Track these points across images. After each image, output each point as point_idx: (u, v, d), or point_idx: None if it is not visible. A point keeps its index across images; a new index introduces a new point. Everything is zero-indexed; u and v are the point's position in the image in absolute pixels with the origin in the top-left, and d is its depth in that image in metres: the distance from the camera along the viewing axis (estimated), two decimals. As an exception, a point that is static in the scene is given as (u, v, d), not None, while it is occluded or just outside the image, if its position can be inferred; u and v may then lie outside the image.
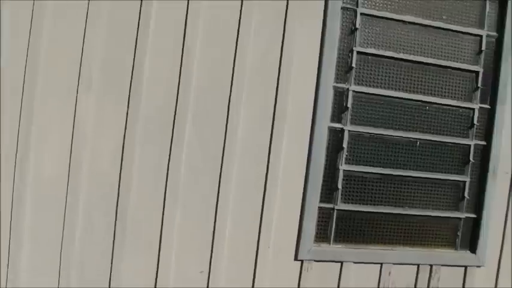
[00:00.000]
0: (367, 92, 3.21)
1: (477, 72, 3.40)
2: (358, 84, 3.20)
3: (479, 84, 3.40)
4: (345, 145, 3.17)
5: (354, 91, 3.18)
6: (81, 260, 2.80)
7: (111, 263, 2.87)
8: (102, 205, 2.82)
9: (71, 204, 2.76)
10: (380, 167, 3.27)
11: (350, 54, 3.17)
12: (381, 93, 3.23)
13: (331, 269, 3.22)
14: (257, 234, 3.08)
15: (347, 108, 3.16)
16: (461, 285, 3.48)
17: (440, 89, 3.36)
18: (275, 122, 3.04)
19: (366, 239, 3.29)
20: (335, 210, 3.20)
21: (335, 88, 3.15)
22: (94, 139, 2.77)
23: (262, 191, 3.06)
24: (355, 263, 3.24)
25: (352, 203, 3.24)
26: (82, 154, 2.75)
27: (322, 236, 3.20)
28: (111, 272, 2.85)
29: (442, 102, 3.34)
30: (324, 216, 3.20)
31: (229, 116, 2.98)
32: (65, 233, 2.77)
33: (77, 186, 2.76)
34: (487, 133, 3.45)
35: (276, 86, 3.05)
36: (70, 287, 2.79)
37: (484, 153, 3.45)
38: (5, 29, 2.58)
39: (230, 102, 2.98)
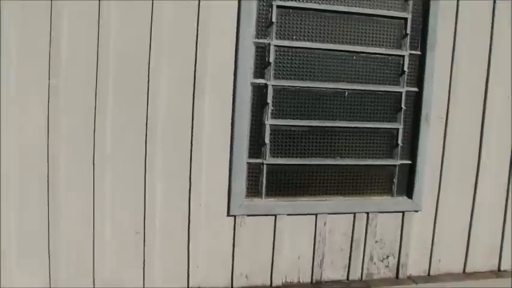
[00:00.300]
0: (289, 45, 3.24)
1: (405, 19, 3.40)
2: (280, 38, 3.23)
3: (408, 31, 3.41)
4: (269, 100, 3.24)
5: (275, 46, 3.21)
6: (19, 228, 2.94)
7: (48, 231, 3.01)
8: (34, 175, 2.93)
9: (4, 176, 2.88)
10: (309, 119, 3.32)
11: (270, 9, 3.19)
12: (304, 46, 3.26)
13: (265, 223, 3.33)
14: (187, 193, 3.18)
15: (269, 63, 3.21)
16: (399, 231, 3.56)
17: (368, 38, 3.38)
18: (196, 81, 3.12)
19: (299, 191, 3.39)
20: (264, 165, 3.29)
21: (256, 44, 3.19)
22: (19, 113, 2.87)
23: (189, 150, 3.16)
24: (288, 215, 3.35)
25: (281, 156, 3.32)
26: (7, 128, 2.85)
27: (253, 190, 3.31)
28: (48, 239, 3.00)
29: (369, 51, 3.36)
30: (254, 171, 3.30)
31: (150, 79, 3.05)
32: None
33: (7, 157, 2.88)
34: (419, 79, 3.47)
35: (194, 45, 3.09)
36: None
37: (417, 100, 3.49)
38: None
39: (150, 65, 3.03)
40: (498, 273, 3.81)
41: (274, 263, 3.38)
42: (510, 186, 3.74)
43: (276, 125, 3.29)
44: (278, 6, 3.20)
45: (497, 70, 3.58)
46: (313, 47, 3.28)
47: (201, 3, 3.07)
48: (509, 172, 3.73)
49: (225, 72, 3.15)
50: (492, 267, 3.82)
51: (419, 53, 3.45)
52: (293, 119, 3.32)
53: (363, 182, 3.50)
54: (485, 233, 3.75)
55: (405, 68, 3.43)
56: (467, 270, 3.76)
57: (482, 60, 3.57)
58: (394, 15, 3.38)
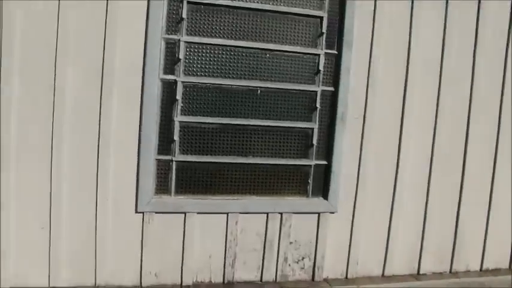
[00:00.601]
0: (200, 42, 3.25)
1: (321, 18, 3.42)
2: (192, 34, 3.24)
3: (323, 30, 3.43)
4: (178, 97, 3.25)
5: (186, 42, 3.22)
6: None
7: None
8: None
9: None
10: (220, 117, 3.33)
11: (180, 4, 3.20)
12: (215, 43, 3.27)
13: (174, 221, 3.33)
14: (95, 189, 3.17)
15: (179, 59, 3.22)
16: (315, 232, 3.57)
17: (283, 36, 3.40)
18: (104, 76, 3.13)
19: (210, 190, 3.40)
20: (173, 162, 3.30)
21: (166, 39, 3.20)
22: None
23: (96, 146, 3.16)
24: (198, 213, 3.35)
25: (191, 153, 3.33)
26: None
27: (163, 187, 3.31)
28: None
29: (283, 49, 3.37)
30: (163, 168, 3.30)
31: (56, 74, 3.04)
32: None
33: None
34: (335, 79, 3.49)
35: (102, 40, 3.09)
36: None
37: (333, 99, 3.51)
38: None
39: (57, 58, 3.02)
40: (418, 276, 3.81)
41: (184, 262, 3.38)
42: (430, 188, 3.75)
43: (186, 121, 3.29)
44: (189, 2, 3.22)
45: (416, 69, 3.61)
46: (224, 43, 3.29)
47: (109, -3, 3.07)
48: (429, 173, 3.75)
49: (133, 68, 3.16)
50: (412, 271, 3.83)
51: (335, 52, 3.47)
52: (204, 116, 3.32)
53: (277, 182, 3.50)
54: (405, 235, 3.76)
55: (320, 67, 3.45)
56: (386, 274, 3.77)
57: (401, 59, 3.59)
58: (309, 13, 3.40)
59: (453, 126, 3.76)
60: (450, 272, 3.92)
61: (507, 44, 3.81)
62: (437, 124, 3.72)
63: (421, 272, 3.85)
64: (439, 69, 3.68)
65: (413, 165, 3.70)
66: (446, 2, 3.62)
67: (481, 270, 4.00)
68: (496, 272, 4.02)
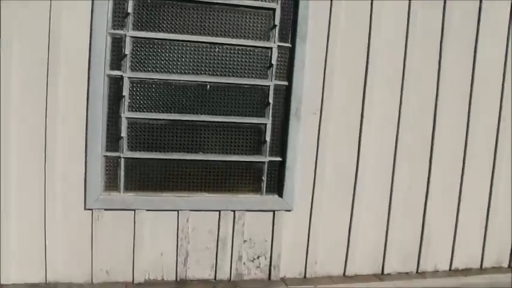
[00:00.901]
0: (146, 37, 3.24)
1: (274, 10, 3.36)
2: (138, 29, 3.23)
3: (276, 22, 3.37)
4: (125, 93, 3.24)
5: (132, 37, 3.21)
6: None
7: None
8: None
9: None
10: (169, 112, 3.32)
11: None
12: (161, 38, 3.25)
13: (124, 218, 3.34)
14: (43, 185, 3.20)
15: (125, 55, 3.21)
16: (270, 231, 3.53)
17: (233, 29, 3.37)
18: (49, 72, 3.13)
19: (160, 187, 3.39)
20: (122, 159, 3.30)
21: (112, 35, 3.20)
22: None
23: (44, 142, 3.17)
24: (148, 210, 3.34)
25: (140, 150, 3.33)
26: None
27: (112, 184, 3.33)
28: None
29: (232, 43, 3.33)
30: (111, 165, 3.31)
31: (1, 69, 3.06)
32: None
33: None
34: (289, 73, 3.43)
35: (47, 35, 3.09)
36: None
37: (287, 94, 3.45)
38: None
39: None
40: (382, 276, 3.74)
41: (135, 259, 3.39)
42: (394, 185, 3.66)
43: (134, 118, 3.29)
44: (134, -4, 3.20)
45: (376, 62, 3.53)
46: (172, 38, 3.27)
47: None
48: (393, 170, 3.66)
49: (79, 64, 3.16)
50: (376, 271, 3.75)
51: (289, 45, 3.41)
52: (152, 112, 3.31)
53: (229, 179, 3.48)
54: (367, 234, 3.69)
55: (273, 61, 3.39)
56: (347, 274, 3.70)
57: (360, 52, 3.51)
58: (261, 5, 3.35)
59: (418, 121, 3.67)
60: (417, 272, 3.82)
61: (476, 35, 3.68)
62: (400, 119, 3.63)
63: (385, 272, 3.77)
64: (402, 62, 3.59)
65: (376, 162, 3.62)
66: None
67: (450, 270, 3.90)
68: (466, 272, 3.91)
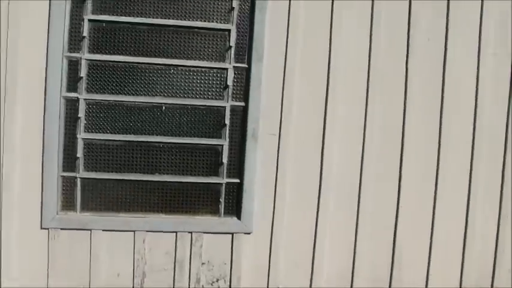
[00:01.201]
0: (101, 59, 3.33)
1: (229, 31, 3.39)
2: (93, 52, 3.33)
3: (231, 43, 3.39)
4: (81, 114, 3.33)
5: (87, 59, 3.31)
6: None
7: None
8: None
9: None
10: (126, 134, 3.38)
11: (82, 23, 3.30)
12: (116, 60, 3.34)
13: (81, 238, 3.40)
14: None
15: (81, 77, 3.31)
16: (229, 253, 3.50)
17: (188, 51, 3.41)
18: (7, 92, 3.25)
19: (117, 207, 3.44)
20: (78, 179, 3.37)
21: (68, 57, 3.31)
22: None
23: (1, 161, 3.29)
24: (104, 230, 3.39)
25: (96, 170, 3.39)
26: None
27: (68, 204, 3.41)
28: None
29: (187, 64, 3.37)
30: (68, 185, 3.40)
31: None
32: None
33: None
34: (246, 93, 3.43)
35: (5, 56, 3.24)
36: None
37: (244, 115, 3.45)
38: None
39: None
40: (349, 302, 3.62)
41: (91, 280, 3.43)
42: (360, 207, 3.56)
43: (90, 138, 3.36)
44: (90, 20, 3.31)
45: (338, 79, 3.48)
46: (126, 60, 3.34)
47: (9, 14, 3.21)
48: (359, 190, 3.56)
49: (36, 85, 3.28)
50: (344, 293, 3.64)
51: (245, 65, 3.41)
52: (109, 133, 3.38)
53: (186, 200, 3.49)
54: (333, 256, 3.59)
55: (229, 82, 3.41)
56: (312, 299, 3.60)
57: (320, 70, 3.47)
58: (215, 27, 3.38)
59: (385, 137, 3.56)
60: (389, 295, 3.68)
61: (446, 34, 3.56)
62: (365, 136, 3.53)
63: (355, 295, 3.65)
64: (366, 77, 3.51)
65: (340, 181, 3.54)
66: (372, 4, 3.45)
67: (426, 292, 3.73)
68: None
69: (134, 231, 3.43)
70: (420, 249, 3.69)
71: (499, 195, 3.76)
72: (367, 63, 3.52)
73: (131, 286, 3.47)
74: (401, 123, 3.60)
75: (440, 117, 3.63)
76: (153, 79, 3.39)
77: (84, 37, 3.31)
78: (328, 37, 3.47)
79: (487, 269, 3.80)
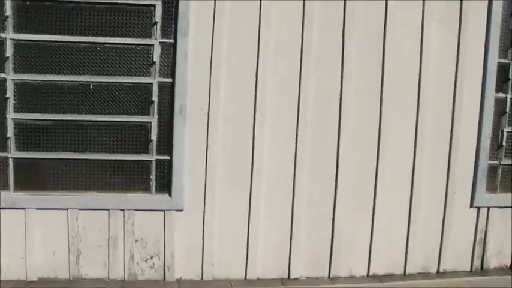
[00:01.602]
0: (26, 39, 3.37)
1: (154, 6, 3.38)
2: (19, 32, 3.37)
3: (157, 19, 3.38)
4: (9, 94, 3.39)
5: (12, 39, 3.36)
6: None
7: None
8: None
9: None
10: (55, 113, 3.42)
11: (4, 2, 3.33)
12: (42, 39, 3.37)
13: (15, 216, 3.48)
14: None
15: (7, 57, 3.36)
16: (162, 230, 3.53)
17: (114, 28, 3.42)
18: None
19: (50, 186, 3.51)
20: (10, 159, 3.45)
21: (-5, 38, 3.36)
22: None
23: None
24: (38, 209, 3.47)
25: (28, 150, 3.45)
26: None
27: (2, 184, 3.48)
28: None
29: (113, 41, 3.38)
30: (1, 165, 3.46)
31: None
32: None
33: None
34: (173, 69, 3.42)
35: None
36: None
37: (172, 91, 3.44)
38: None
39: None
40: (286, 281, 3.62)
41: (28, 258, 3.51)
42: (296, 183, 3.54)
43: (19, 118, 3.42)
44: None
45: (269, 54, 3.46)
46: (52, 39, 3.37)
47: None
48: (294, 166, 3.54)
49: (-37, 67, 3.35)
50: (282, 275, 3.64)
51: (172, 41, 3.40)
52: (38, 112, 3.43)
53: (118, 178, 3.53)
54: (269, 235, 3.59)
55: (155, 58, 3.40)
56: (249, 277, 3.61)
57: (250, 45, 3.44)
58: (140, 2, 3.37)
59: (321, 111, 3.52)
60: (329, 277, 3.66)
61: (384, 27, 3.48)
62: (300, 110, 3.49)
63: (292, 277, 3.64)
64: (299, 48, 3.45)
65: (273, 156, 3.54)
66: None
67: (368, 276, 3.69)
68: (387, 278, 3.68)
69: (67, 209, 3.49)
70: (361, 230, 3.66)
71: (445, 173, 3.69)
72: (300, 33, 3.47)
73: (67, 263, 3.54)
74: (339, 97, 3.55)
75: (381, 91, 3.56)
76: (81, 57, 3.42)
77: (7, 16, 3.34)
78: (258, 9, 3.42)
79: (434, 253, 3.74)
